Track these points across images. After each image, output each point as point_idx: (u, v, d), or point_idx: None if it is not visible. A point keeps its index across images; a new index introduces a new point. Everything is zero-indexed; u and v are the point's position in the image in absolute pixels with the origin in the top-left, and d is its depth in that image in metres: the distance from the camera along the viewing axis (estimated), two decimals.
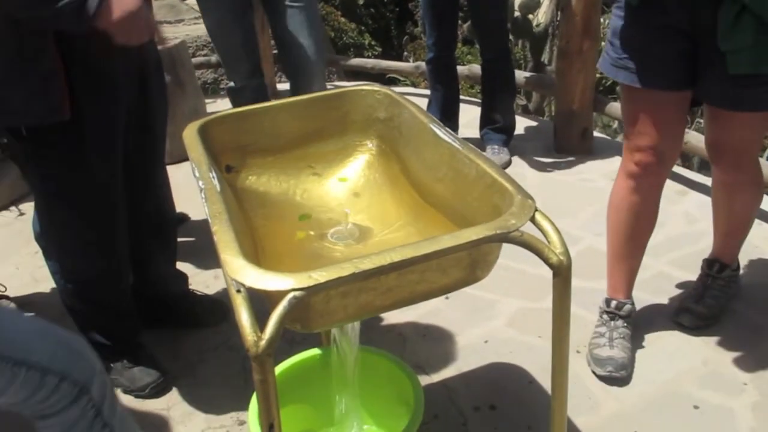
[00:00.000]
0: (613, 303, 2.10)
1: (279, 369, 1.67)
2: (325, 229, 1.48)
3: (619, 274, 2.11)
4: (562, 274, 1.10)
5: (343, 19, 8.94)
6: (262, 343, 0.92)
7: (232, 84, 3.01)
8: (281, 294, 0.94)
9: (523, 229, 1.10)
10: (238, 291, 0.96)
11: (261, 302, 1.03)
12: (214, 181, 1.25)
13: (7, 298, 2.58)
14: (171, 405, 2.06)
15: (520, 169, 3.44)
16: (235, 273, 0.97)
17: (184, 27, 5.81)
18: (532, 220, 1.12)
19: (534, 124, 4.10)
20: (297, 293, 0.94)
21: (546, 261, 1.09)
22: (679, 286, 2.43)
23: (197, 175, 1.28)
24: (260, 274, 0.96)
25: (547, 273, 2.46)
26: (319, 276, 0.95)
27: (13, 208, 3.43)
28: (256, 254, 1.33)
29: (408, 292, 1.10)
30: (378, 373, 1.69)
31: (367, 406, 1.69)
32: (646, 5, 1.76)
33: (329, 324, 1.18)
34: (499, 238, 1.05)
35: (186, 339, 2.32)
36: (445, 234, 1.04)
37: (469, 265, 1.13)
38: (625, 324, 2.09)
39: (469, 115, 3.87)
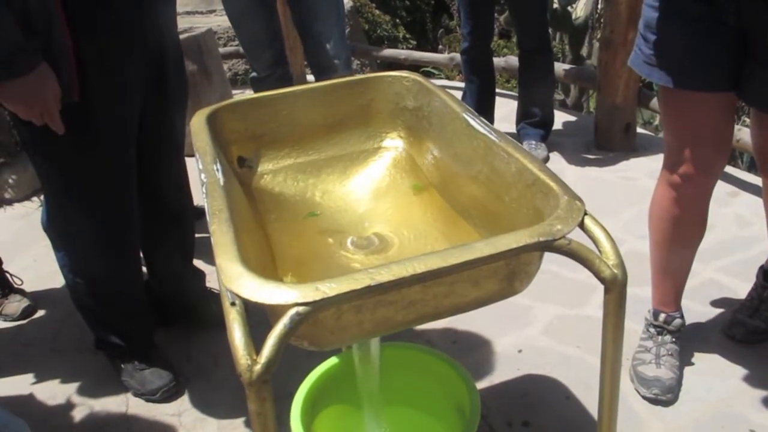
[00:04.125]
0: (662, 316, 1.92)
1: (316, 373, 1.55)
2: (345, 235, 1.33)
3: (666, 286, 1.93)
4: (616, 289, 0.93)
5: (377, 11, 8.77)
6: (257, 367, 0.78)
7: (254, 74, 2.89)
8: (283, 308, 0.80)
9: (570, 236, 0.94)
10: (233, 304, 0.82)
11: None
12: (218, 174, 1.11)
13: (22, 292, 2.50)
14: (182, 410, 1.96)
15: (558, 165, 3.27)
16: (229, 282, 0.83)
17: (215, 17, 5.73)
18: (581, 225, 0.96)
19: (573, 119, 3.93)
20: (301, 308, 0.79)
21: (597, 275, 0.93)
22: (731, 295, 2.25)
23: (200, 167, 1.15)
24: (258, 285, 0.82)
25: (586, 278, 2.30)
26: (328, 288, 0.80)
27: (34, 198, 3.38)
28: (271, 261, 1.20)
29: (433, 306, 0.95)
30: (429, 374, 1.56)
31: (416, 411, 1.58)
32: None
33: (342, 342, 1.03)
34: (543, 246, 0.89)
35: (201, 340, 2.22)
36: (479, 241, 0.88)
37: (506, 276, 0.98)
38: (674, 339, 1.92)
39: (506, 109, 3.72)
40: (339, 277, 0.82)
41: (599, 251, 0.96)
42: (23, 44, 1.46)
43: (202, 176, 1.12)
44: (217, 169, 1.13)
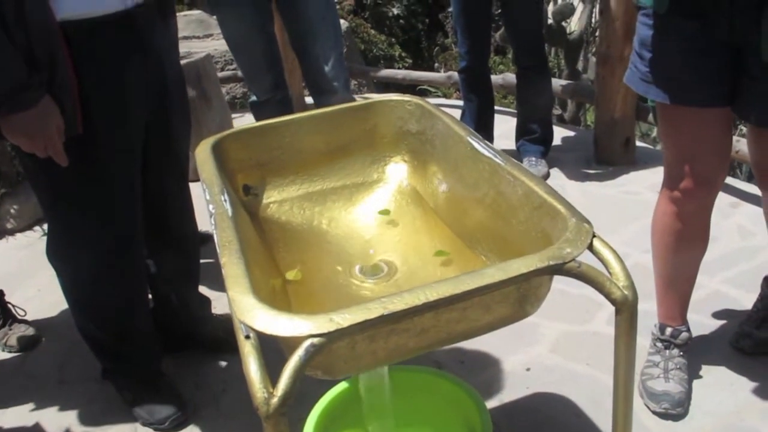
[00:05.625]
0: (668, 330, 1.92)
1: (327, 398, 1.56)
2: (353, 262, 1.33)
3: (671, 300, 1.93)
4: (627, 310, 0.94)
5: (372, 31, 8.82)
6: (274, 400, 0.78)
7: (254, 98, 2.90)
8: (297, 340, 0.80)
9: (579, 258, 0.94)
10: (247, 337, 0.82)
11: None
12: (225, 205, 1.11)
13: (26, 322, 2.49)
14: None
15: (559, 181, 3.28)
16: (243, 314, 0.83)
17: (212, 41, 5.77)
18: (590, 247, 0.96)
19: (572, 134, 3.94)
20: (315, 340, 0.79)
21: (608, 296, 0.93)
22: (737, 306, 2.25)
23: (207, 198, 1.15)
24: (272, 317, 0.82)
25: (592, 294, 2.29)
26: (342, 319, 0.80)
27: (36, 228, 3.38)
28: (282, 291, 1.20)
29: (446, 332, 0.95)
30: (439, 396, 1.56)
31: None
32: (677, 12, 1.55)
33: (356, 370, 1.04)
34: (553, 270, 0.90)
35: (209, 366, 2.21)
36: (490, 266, 0.88)
37: (517, 300, 0.98)
38: (681, 353, 1.92)
39: (504, 126, 3.73)
40: (352, 307, 0.83)
41: (609, 273, 0.96)
42: (27, 79, 1.47)
43: (210, 207, 1.12)
44: (225, 200, 1.14)
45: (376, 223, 1.45)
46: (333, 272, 1.30)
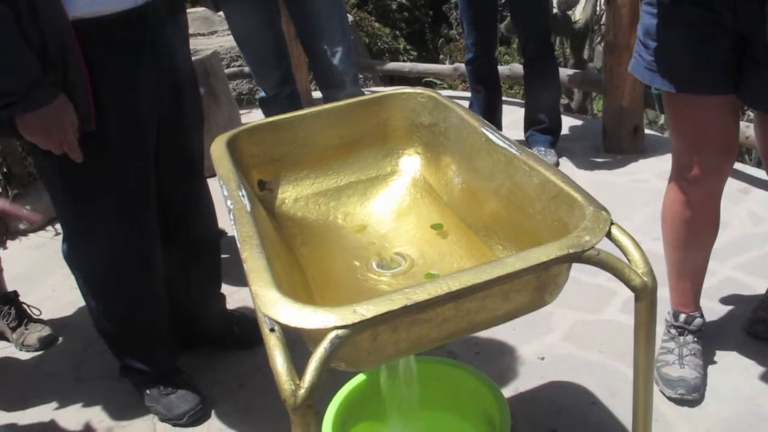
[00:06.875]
0: (682, 317, 1.93)
1: (345, 390, 1.56)
2: (369, 257, 1.34)
3: (684, 287, 1.93)
4: (646, 297, 0.95)
5: (377, 24, 8.83)
6: (301, 392, 0.79)
7: (263, 94, 2.91)
8: (322, 332, 0.81)
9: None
10: (272, 330, 0.83)
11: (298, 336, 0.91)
12: (243, 200, 1.12)
13: (41, 321, 2.51)
14: None
15: (568, 170, 3.27)
16: (267, 308, 0.84)
17: (217, 38, 5.77)
18: (608, 235, 0.97)
19: (579, 123, 3.94)
20: (340, 332, 0.80)
21: (627, 283, 0.94)
22: (749, 292, 2.25)
23: (225, 193, 1.16)
24: (296, 310, 0.83)
25: (605, 282, 2.28)
26: (366, 310, 0.81)
27: (49, 228, 3.39)
28: (302, 285, 1.21)
29: (466, 322, 0.96)
30: (458, 388, 1.57)
31: (447, 425, 1.59)
32: (681, 1, 1.55)
33: (379, 361, 1.04)
34: (573, 258, 0.90)
35: (225, 362, 2.23)
36: (509, 255, 0.89)
37: (536, 289, 0.99)
38: (696, 339, 1.92)
39: (512, 117, 3.73)
40: (375, 298, 0.83)
41: (628, 260, 0.97)
42: (42, 78, 1.49)
43: (229, 203, 1.13)
44: (243, 195, 1.14)
45: (391, 216, 1.46)
46: (351, 267, 1.31)
